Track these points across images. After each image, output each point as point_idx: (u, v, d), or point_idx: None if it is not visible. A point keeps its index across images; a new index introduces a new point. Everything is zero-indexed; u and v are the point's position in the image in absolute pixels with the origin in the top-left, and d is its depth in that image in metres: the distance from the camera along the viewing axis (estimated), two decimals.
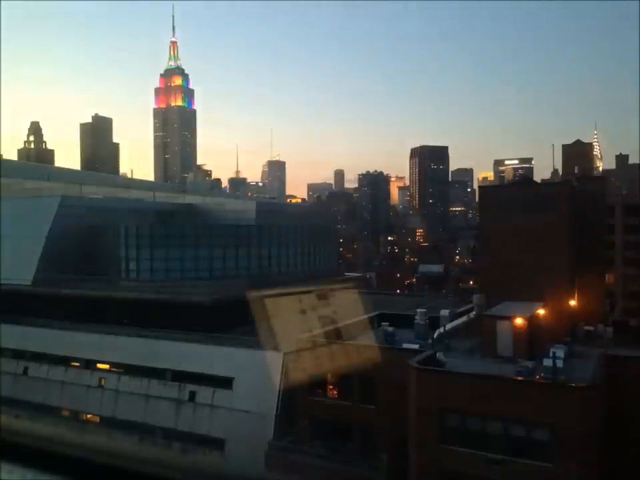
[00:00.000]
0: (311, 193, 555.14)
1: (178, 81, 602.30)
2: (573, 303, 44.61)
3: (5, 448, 53.51)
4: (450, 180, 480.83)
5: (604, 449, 32.86)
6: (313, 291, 71.96)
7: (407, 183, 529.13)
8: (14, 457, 55.91)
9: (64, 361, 59.19)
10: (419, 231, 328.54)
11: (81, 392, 57.08)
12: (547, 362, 34.00)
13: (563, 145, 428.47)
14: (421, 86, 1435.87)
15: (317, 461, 41.35)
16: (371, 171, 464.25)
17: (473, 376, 34.91)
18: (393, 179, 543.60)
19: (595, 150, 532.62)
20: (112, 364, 56.59)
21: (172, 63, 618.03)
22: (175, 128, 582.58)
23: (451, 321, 45.70)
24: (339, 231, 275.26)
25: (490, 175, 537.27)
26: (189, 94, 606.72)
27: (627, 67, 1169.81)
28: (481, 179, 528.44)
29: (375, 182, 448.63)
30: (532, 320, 39.08)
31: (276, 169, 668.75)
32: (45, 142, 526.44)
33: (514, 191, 49.98)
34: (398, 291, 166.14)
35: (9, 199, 74.98)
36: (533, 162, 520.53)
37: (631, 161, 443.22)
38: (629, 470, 35.22)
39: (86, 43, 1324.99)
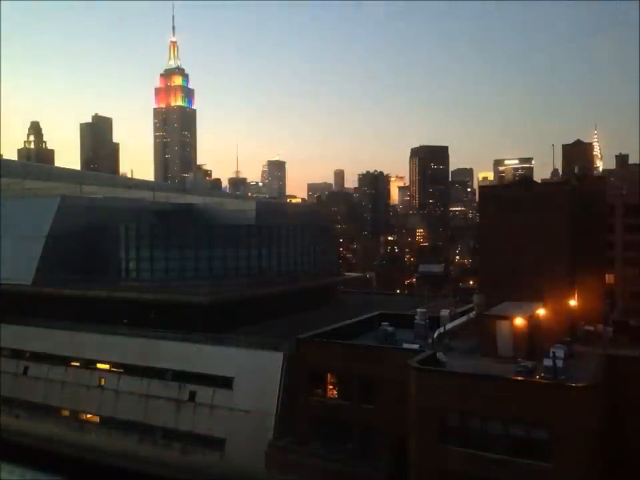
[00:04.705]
0: (310, 193, 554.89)
1: (178, 80, 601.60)
2: (572, 302, 44.58)
3: (5, 448, 53.54)
4: (450, 180, 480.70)
5: (603, 448, 32.87)
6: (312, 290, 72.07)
7: (407, 182, 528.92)
8: (14, 457, 55.88)
9: (64, 361, 59.22)
10: (419, 231, 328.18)
11: (81, 392, 57.10)
12: (547, 362, 34.01)
13: (563, 145, 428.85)
14: (421, 86, 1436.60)
15: (317, 461, 41.37)
16: (371, 170, 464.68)
17: (473, 376, 34.93)
18: (392, 179, 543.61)
19: (594, 150, 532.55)
20: (112, 364, 56.62)
21: (172, 63, 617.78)
22: (175, 128, 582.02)
23: (451, 321, 45.73)
24: (339, 231, 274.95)
25: (490, 175, 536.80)
26: (189, 94, 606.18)
27: (627, 67, 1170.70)
28: (481, 178, 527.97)
29: (375, 182, 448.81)
30: (532, 320, 39.10)
31: (276, 168, 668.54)
32: (45, 142, 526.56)
33: (514, 191, 49.94)
34: (398, 291, 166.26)
35: (9, 198, 74.95)
36: (532, 162, 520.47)
37: (631, 160, 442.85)
38: (628, 470, 35.22)
39: (86, 42, 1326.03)
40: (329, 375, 43.46)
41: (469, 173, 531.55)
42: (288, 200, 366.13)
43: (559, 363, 33.86)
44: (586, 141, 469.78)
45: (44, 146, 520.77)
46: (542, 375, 33.85)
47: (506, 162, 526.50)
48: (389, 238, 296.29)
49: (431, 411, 34.46)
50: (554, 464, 31.27)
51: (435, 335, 42.77)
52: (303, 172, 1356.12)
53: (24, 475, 51.63)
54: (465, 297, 71.24)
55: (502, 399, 32.89)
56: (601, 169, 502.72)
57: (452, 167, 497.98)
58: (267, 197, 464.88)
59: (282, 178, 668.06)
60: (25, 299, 64.57)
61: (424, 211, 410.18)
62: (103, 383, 56.27)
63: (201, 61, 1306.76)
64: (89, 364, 57.84)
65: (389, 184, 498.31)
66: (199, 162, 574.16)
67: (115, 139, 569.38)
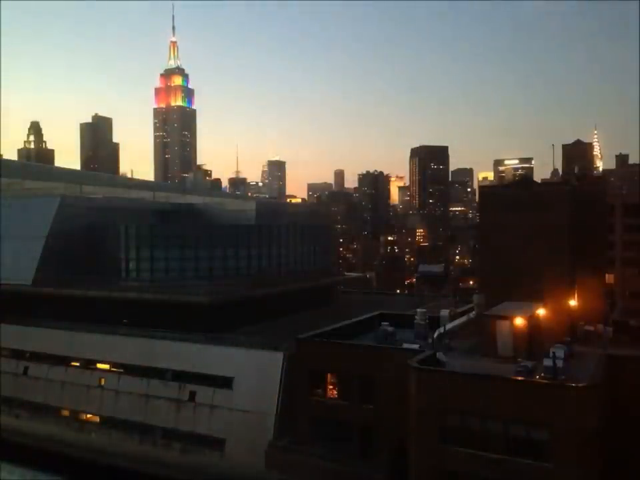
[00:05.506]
0: (310, 193, 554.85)
1: (178, 80, 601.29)
2: (572, 302, 44.58)
3: (5, 448, 53.49)
4: (450, 180, 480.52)
5: (604, 448, 32.86)
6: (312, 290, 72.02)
7: (407, 182, 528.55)
8: (14, 457, 55.60)
9: (64, 361, 59.20)
10: (419, 231, 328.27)
11: (81, 392, 57.09)
12: (547, 362, 33.99)
13: (563, 145, 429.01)
14: (421, 86, 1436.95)
15: (317, 461, 41.36)
16: (371, 170, 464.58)
17: (472, 376, 34.90)
18: (392, 179, 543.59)
19: (594, 150, 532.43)
20: (112, 364, 56.60)
21: (172, 63, 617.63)
22: (175, 128, 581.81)
23: (451, 321, 45.69)
24: (339, 231, 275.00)
25: (490, 175, 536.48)
26: (189, 93, 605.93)
27: (627, 67, 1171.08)
28: (481, 178, 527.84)
29: (375, 182, 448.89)
30: (532, 320, 39.08)
31: (276, 168, 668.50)
32: (45, 142, 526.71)
33: (514, 191, 49.94)
34: (398, 291, 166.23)
35: (8, 199, 74.91)
36: (532, 162, 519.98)
37: (631, 160, 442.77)
38: (629, 469, 35.22)
39: (86, 42, 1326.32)
40: (328, 375, 43.40)
41: (469, 172, 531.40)
42: (288, 200, 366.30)
43: (559, 363, 33.84)
44: (586, 140, 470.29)
45: (44, 146, 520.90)
46: (542, 374, 33.83)
47: (506, 162, 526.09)
48: (389, 238, 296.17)
49: (430, 411, 34.44)
50: (554, 464, 31.25)
51: (435, 335, 42.75)
52: (303, 172, 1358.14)
53: (24, 475, 51.58)
54: (465, 297, 71.18)
55: (502, 398, 32.87)
56: (601, 169, 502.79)
57: (452, 167, 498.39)
58: (267, 197, 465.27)
59: (282, 178, 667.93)
60: (25, 299, 64.56)
61: (424, 211, 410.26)
62: (103, 382, 56.27)
63: (201, 61, 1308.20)
64: (89, 364, 57.83)
65: (389, 184, 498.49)
66: (198, 162, 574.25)
67: (115, 139, 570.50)
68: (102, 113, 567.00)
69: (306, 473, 41.51)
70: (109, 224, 68.34)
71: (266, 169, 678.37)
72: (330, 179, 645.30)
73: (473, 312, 45.65)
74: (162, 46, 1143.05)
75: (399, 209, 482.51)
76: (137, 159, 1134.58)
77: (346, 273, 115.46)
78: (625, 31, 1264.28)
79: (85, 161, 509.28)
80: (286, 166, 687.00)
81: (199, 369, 51.09)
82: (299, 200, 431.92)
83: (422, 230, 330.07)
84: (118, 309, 61.15)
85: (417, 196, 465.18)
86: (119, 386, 55.01)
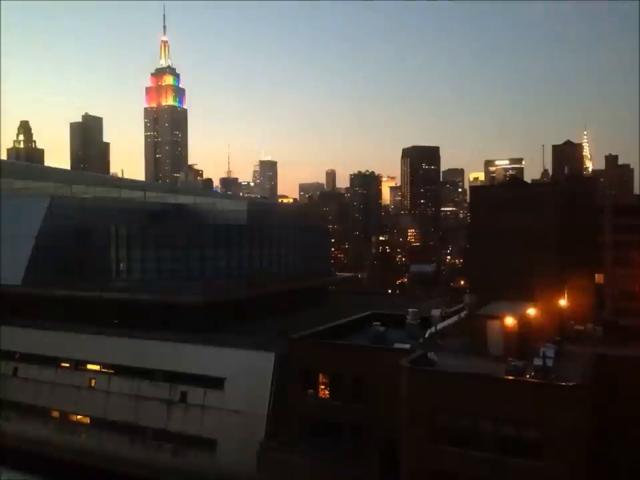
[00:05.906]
0: (302, 193, 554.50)
1: (169, 80, 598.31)
2: (563, 302, 44.84)
3: None
4: (441, 180, 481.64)
5: (593, 447, 33.06)
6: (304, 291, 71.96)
7: (399, 183, 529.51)
8: (3, 460, 54.81)
9: (54, 362, 58.76)
10: (411, 231, 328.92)
11: (71, 393, 56.69)
12: (537, 361, 34.16)
13: (553, 146, 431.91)
14: (412, 86, 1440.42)
15: (308, 462, 41.30)
16: (363, 171, 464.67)
17: (463, 375, 34.98)
18: (384, 179, 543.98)
19: (584, 150, 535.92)
20: (102, 365, 56.26)
21: (163, 62, 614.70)
22: (166, 127, 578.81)
23: (442, 320, 45.81)
24: (331, 231, 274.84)
25: (481, 175, 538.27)
26: (179, 93, 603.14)
27: (617, 68, 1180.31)
28: (472, 179, 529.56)
29: (367, 182, 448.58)
30: (522, 319, 39.25)
31: (267, 168, 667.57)
32: (34, 141, 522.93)
33: (504, 192, 50.18)
34: (390, 290, 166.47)
35: None
36: (523, 162, 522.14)
37: (620, 161, 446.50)
38: (617, 467, 35.45)
39: (76, 41, 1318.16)
40: (320, 375, 43.37)
41: (460, 173, 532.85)
42: (279, 200, 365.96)
43: (549, 362, 34.02)
44: (576, 141, 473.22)
45: (33, 145, 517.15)
46: (532, 374, 33.97)
47: (497, 162, 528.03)
48: (381, 238, 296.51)
49: (422, 411, 34.48)
50: (544, 463, 31.40)
51: (426, 335, 42.83)
52: (295, 172, 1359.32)
53: (13, 477, 51.16)
54: (456, 296, 71.41)
55: (493, 398, 32.96)
56: (590, 169, 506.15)
57: (443, 167, 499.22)
58: (259, 197, 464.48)
59: (273, 178, 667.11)
60: (14, 300, 64.00)
61: (415, 211, 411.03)
62: (93, 383, 55.91)
63: (192, 60, 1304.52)
64: (79, 365, 57.43)
65: (380, 184, 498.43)
66: (190, 162, 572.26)
67: (106, 139, 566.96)
68: (92, 112, 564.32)
69: (297, 473, 41.46)
70: (99, 224, 67.91)
71: (257, 169, 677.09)
72: (322, 179, 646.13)
73: (464, 312, 45.80)
74: (153, 45, 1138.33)
75: (390, 209, 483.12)
76: (128, 159, 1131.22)
77: (338, 273, 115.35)
78: (614, 32, 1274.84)
79: (74, 161, 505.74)
80: (277, 166, 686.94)
81: (190, 369, 50.90)
82: (291, 200, 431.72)
83: (413, 230, 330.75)
84: (108, 309, 60.78)
85: (408, 196, 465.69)
86: (110, 387, 54.69)
